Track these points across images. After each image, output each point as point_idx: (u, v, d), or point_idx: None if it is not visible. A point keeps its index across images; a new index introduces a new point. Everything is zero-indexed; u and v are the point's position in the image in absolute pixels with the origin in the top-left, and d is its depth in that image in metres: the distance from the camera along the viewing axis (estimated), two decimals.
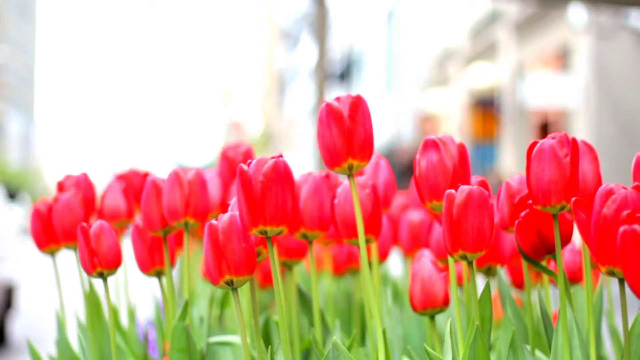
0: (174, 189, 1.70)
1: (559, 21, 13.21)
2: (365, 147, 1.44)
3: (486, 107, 16.88)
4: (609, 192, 1.24)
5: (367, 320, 1.63)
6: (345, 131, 1.42)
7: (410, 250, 2.27)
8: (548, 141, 1.37)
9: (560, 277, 1.43)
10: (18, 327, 7.35)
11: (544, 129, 14.35)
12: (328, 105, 1.43)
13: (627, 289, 1.23)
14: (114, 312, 2.11)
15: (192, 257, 2.78)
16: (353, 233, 1.61)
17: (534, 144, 1.39)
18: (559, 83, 13.21)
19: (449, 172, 1.47)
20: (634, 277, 1.09)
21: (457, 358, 1.43)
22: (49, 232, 1.94)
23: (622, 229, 1.09)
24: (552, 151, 1.36)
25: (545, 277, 1.67)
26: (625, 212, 1.15)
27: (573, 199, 1.30)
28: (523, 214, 1.52)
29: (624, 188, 1.25)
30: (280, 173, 1.37)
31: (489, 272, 1.91)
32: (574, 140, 1.38)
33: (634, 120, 12.46)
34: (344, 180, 1.74)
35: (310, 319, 1.88)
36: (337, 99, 1.44)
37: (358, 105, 1.43)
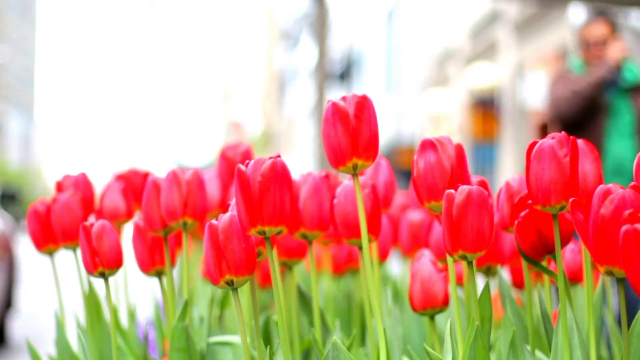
0: (172, 189, 1.70)
1: (559, 21, 13.21)
2: (370, 147, 1.44)
3: (486, 107, 16.86)
4: (607, 193, 1.24)
5: (367, 320, 1.63)
6: (351, 131, 1.42)
7: (410, 250, 2.27)
8: (548, 141, 1.37)
9: (560, 277, 1.42)
10: (18, 327, 7.35)
11: (544, 129, 14.33)
12: (334, 105, 1.43)
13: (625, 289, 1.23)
14: (114, 312, 2.11)
15: (192, 257, 2.78)
16: (352, 233, 1.61)
17: (534, 144, 1.39)
18: None
19: (447, 172, 1.47)
20: (636, 276, 1.08)
21: (457, 358, 1.43)
22: (47, 232, 1.94)
23: (624, 228, 1.09)
24: (551, 151, 1.36)
25: (546, 277, 1.67)
26: (627, 212, 1.15)
27: (571, 199, 1.30)
28: (523, 214, 1.52)
29: (622, 188, 1.25)
30: (278, 173, 1.37)
31: (489, 272, 1.91)
32: (574, 140, 1.38)
33: None
34: (343, 180, 1.74)
35: (310, 319, 1.88)
36: (343, 98, 1.44)
37: (364, 105, 1.43)
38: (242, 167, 1.37)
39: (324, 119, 1.44)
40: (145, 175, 2.27)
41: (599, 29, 4.60)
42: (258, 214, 1.36)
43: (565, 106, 4.49)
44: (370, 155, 1.44)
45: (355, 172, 1.45)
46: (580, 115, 4.51)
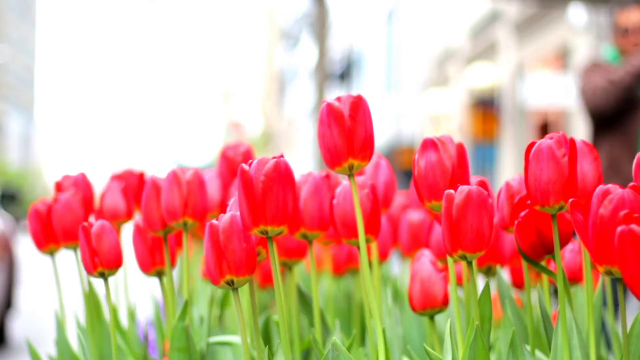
0: (172, 189, 1.70)
1: (559, 21, 13.21)
2: (365, 147, 1.44)
3: (486, 107, 16.86)
4: (606, 193, 1.24)
5: (367, 320, 1.63)
6: (346, 131, 1.42)
7: (410, 250, 2.27)
8: (546, 141, 1.37)
9: (559, 277, 1.43)
10: (18, 327, 7.35)
11: (544, 129, 14.34)
12: (329, 105, 1.43)
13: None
14: (114, 312, 2.11)
15: (192, 257, 2.78)
16: (352, 233, 1.61)
17: (532, 144, 1.39)
18: (559, 83, 13.21)
19: (447, 172, 1.47)
20: (632, 277, 1.09)
21: (457, 358, 1.43)
22: (48, 232, 1.94)
23: (619, 228, 1.09)
24: (550, 151, 1.36)
25: (545, 277, 1.67)
26: (622, 212, 1.15)
27: (570, 199, 1.30)
28: (522, 214, 1.52)
29: (621, 188, 1.25)
30: (282, 173, 1.37)
31: (489, 272, 1.91)
32: (572, 140, 1.38)
33: None
34: (344, 180, 1.74)
35: (310, 319, 1.88)
36: (338, 98, 1.44)
37: (359, 105, 1.43)
38: (246, 167, 1.37)
39: (319, 119, 1.44)
40: (141, 176, 2.27)
41: (638, 15, 4.28)
42: (261, 214, 1.36)
43: (602, 97, 4.17)
44: (365, 155, 1.44)
45: (351, 173, 1.45)
46: (617, 108, 4.19)
